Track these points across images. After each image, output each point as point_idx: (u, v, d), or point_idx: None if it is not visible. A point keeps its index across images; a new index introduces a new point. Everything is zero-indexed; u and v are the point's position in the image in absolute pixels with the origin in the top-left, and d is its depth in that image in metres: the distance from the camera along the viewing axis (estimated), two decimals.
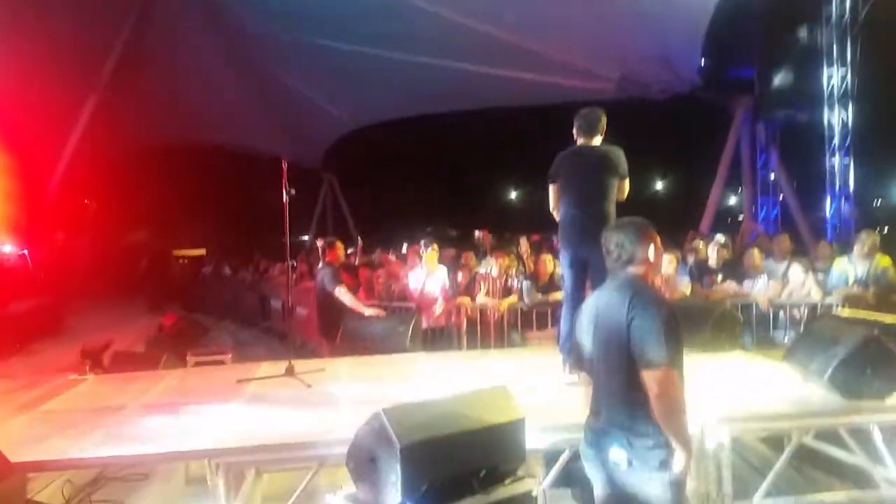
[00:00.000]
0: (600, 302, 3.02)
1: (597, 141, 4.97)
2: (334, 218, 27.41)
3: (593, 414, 2.99)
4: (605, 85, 15.18)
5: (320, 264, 7.72)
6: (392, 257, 10.01)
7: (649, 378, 2.69)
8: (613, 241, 2.98)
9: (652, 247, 2.96)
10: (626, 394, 2.79)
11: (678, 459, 2.73)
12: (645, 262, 2.95)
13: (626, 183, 4.91)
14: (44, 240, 14.27)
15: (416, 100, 19.24)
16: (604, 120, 4.97)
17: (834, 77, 14.43)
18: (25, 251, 11.97)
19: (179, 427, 3.97)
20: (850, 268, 7.30)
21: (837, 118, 14.51)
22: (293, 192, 5.44)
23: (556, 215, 5.12)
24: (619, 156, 4.88)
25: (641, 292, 2.83)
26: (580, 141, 5.02)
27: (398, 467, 2.56)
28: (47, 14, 12.61)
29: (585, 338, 3.04)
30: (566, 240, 4.97)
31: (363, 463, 2.74)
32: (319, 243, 8.02)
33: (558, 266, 7.64)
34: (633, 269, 2.94)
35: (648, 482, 2.74)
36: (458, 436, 2.78)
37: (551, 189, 5.12)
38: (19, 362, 7.21)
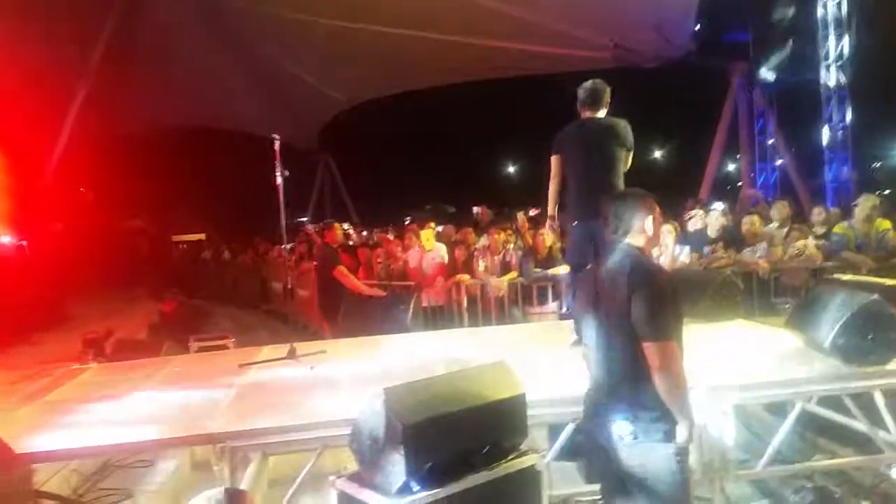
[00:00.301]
0: (600, 274, 3.00)
1: (601, 114, 4.94)
2: (332, 198, 27.32)
3: (594, 387, 2.99)
4: (599, 53, 15.02)
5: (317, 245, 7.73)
6: (390, 236, 9.98)
7: (650, 350, 2.69)
8: (613, 211, 2.97)
9: (651, 218, 2.94)
10: (629, 366, 2.79)
11: (681, 431, 2.73)
12: (644, 233, 2.93)
13: (630, 155, 4.92)
14: (42, 230, 14.22)
15: (409, 75, 19.06)
16: (608, 92, 4.94)
17: (831, 37, 14.26)
18: (24, 242, 11.93)
19: (184, 413, 3.98)
20: (851, 232, 7.27)
21: (835, 80, 14.37)
22: (286, 173, 5.41)
23: (553, 186, 5.10)
24: (625, 127, 4.88)
25: (641, 264, 2.82)
26: (585, 114, 4.98)
27: (401, 447, 2.56)
28: (33, 3, 12.46)
29: (586, 311, 3.03)
30: (574, 213, 4.97)
31: (366, 444, 2.74)
32: (309, 229, 7.99)
33: (557, 240, 7.66)
34: (632, 241, 2.92)
35: (652, 454, 2.74)
36: (460, 413, 2.78)
37: (553, 161, 5.07)
38: (22, 353, 7.22)
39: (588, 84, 4.95)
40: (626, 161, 4.89)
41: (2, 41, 11.23)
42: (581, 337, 3.14)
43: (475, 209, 11.46)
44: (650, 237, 2.97)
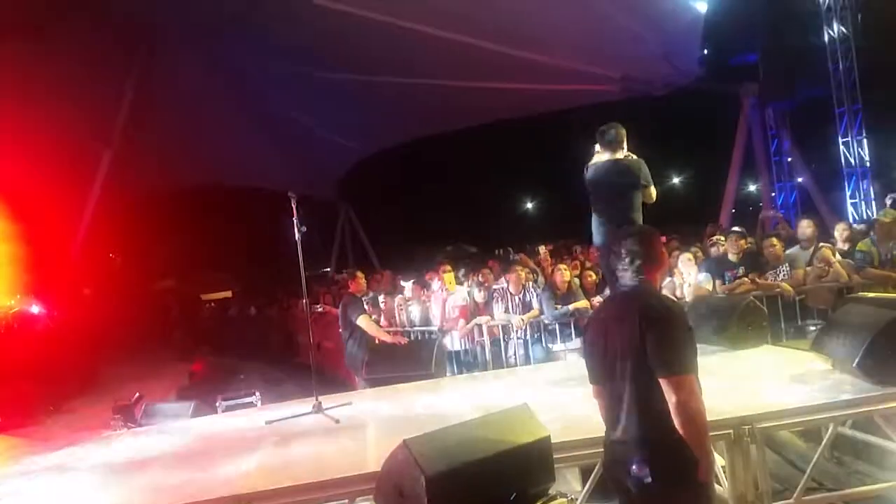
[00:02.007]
0: (610, 311, 3.00)
1: (620, 154, 5.22)
2: (354, 247, 27.51)
3: (611, 428, 2.92)
4: (608, 86, 15.16)
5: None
6: (408, 283, 9.92)
7: (668, 385, 2.65)
8: (623, 247, 2.98)
9: (660, 254, 2.99)
10: (644, 404, 2.74)
11: (702, 467, 2.66)
12: (654, 269, 2.96)
13: (651, 189, 5.23)
14: (71, 298, 14.49)
15: (422, 121, 19.35)
16: (622, 134, 5.24)
17: (838, 52, 14.24)
18: (55, 312, 12.17)
19: (212, 475, 4.00)
20: (875, 248, 7.14)
21: (847, 95, 14.29)
22: (304, 229, 5.48)
23: None
24: (640, 167, 5.17)
25: (653, 299, 2.82)
26: (605, 156, 5.28)
27: (425, 498, 2.54)
28: (53, 78, 12.92)
29: (597, 349, 3.00)
30: (599, 247, 5.41)
31: (391, 496, 2.73)
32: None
33: (576, 274, 7.68)
34: (642, 277, 2.93)
35: (675, 494, 2.68)
36: (484, 461, 2.76)
37: None
38: (54, 423, 7.32)
39: (604, 128, 5.28)
40: (647, 196, 5.20)
41: (25, 119, 11.64)
42: (592, 376, 3.09)
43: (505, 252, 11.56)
44: (660, 272, 3.01)
